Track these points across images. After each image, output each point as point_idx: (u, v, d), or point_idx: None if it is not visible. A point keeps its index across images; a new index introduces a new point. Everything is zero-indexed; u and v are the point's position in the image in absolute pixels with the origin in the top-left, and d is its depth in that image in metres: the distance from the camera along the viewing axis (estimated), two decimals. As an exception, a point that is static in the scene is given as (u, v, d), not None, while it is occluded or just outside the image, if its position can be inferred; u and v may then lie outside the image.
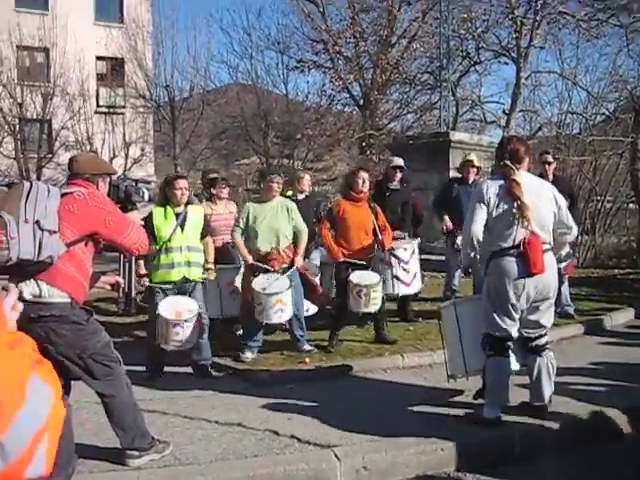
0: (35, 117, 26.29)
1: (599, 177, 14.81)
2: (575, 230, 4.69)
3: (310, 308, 7.11)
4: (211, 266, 6.34)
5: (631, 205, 15.67)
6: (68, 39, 25.55)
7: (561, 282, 7.83)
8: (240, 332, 6.85)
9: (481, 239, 4.37)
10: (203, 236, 6.15)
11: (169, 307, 5.71)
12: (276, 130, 25.32)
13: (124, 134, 26.78)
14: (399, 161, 7.97)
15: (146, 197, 4.42)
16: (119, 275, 4.33)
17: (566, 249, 7.72)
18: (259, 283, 6.25)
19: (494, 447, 4.31)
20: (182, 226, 5.93)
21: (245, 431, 4.56)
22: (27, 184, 3.58)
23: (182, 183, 5.99)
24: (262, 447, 4.26)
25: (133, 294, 4.32)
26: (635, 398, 4.95)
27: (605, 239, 14.64)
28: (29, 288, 3.58)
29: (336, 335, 6.74)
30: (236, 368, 6.15)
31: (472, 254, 4.41)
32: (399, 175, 7.82)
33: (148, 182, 4.56)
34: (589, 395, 5.00)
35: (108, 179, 4.07)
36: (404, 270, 7.09)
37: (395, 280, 7.07)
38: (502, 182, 4.40)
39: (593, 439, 4.39)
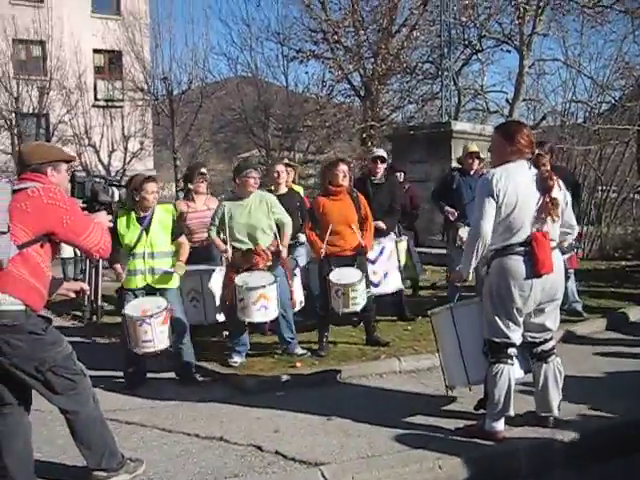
0: (32, 111, 25.97)
1: (604, 167, 14.42)
2: (576, 231, 4.32)
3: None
4: (181, 264, 5.80)
5: (637, 195, 15.29)
6: (64, 32, 25.27)
7: (567, 277, 7.49)
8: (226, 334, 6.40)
9: (489, 241, 3.98)
10: (175, 237, 5.76)
11: (136, 307, 5.42)
12: (277, 122, 24.95)
13: (123, 128, 26.50)
14: (380, 152, 7.58)
15: (116, 197, 4.05)
16: (84, 281, 3.95)
17: (569, 240, 7.32)
18: (241, 278, 5.88)
19: (497, 463, 3.95)
20: (147, 230, 5.59)
21: (226, 446, 4.21)
22: None
23: (153, 187, 5.63)
24: (243, 465, 3.91)
25: (99, 302, 3.93)
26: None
27: (611, 230, 14.25)
28: None
29: (325, 337, 6.36)
30: (222, 373, 5.80)
31: (476, 260, 4.01)
32: (381, 167, 7.40)
33: (119, 182, 4.17)
34: (602, 403, 4.59)
35: (63, 167, 3.63)
36: (372, 271, 6.75)
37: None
38: (519, 173, 3.97)
39: (607, 453, 4.00)
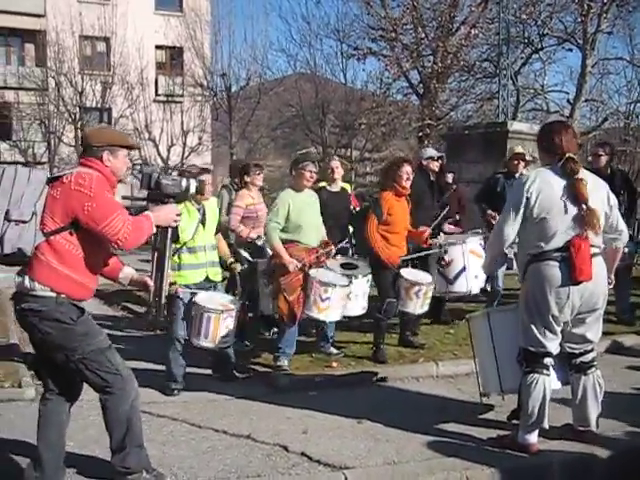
0: (95, 105, 26.68)
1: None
2: (626, 235, 4.09)
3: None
4: (232, 259, 5.95)
5: None
6: (128, 28, 25.82)
7: (622, 283, 7.20)
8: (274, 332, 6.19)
9: (510, 243, 3.91)
10: (217, 232, 5.76)
11: (210, 301, 5.25)
12: (334, 119, 24.93)
13: (182, 122, 26.87)
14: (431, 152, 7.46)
15: (192, 189, 3.80)
16: (150, 277, 3.86)
17: (619, 245, 6.99)
18: (322, 275, 5.61)
19: (529, 476, 3.82)
20: (203, 223, 5.57)
21: (253, 445, 4.19)
22: None
23: (208, 178, 5.64)
24: (267, 465, 3.88)
25: (163, 298, 3.80)
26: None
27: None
28: (19, 279, 3.38)
29: (382, 342, 6.06)
30: (257, 370, 5.79)
31: (495, 258, 3.92)
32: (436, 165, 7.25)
33: (206, 170, 3.91)
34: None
35: (121, 152, 3.55)
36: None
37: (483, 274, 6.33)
38: (555, 177, 3.84)
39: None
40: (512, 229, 3.86)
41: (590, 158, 7.54)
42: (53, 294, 3.34)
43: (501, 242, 3.90)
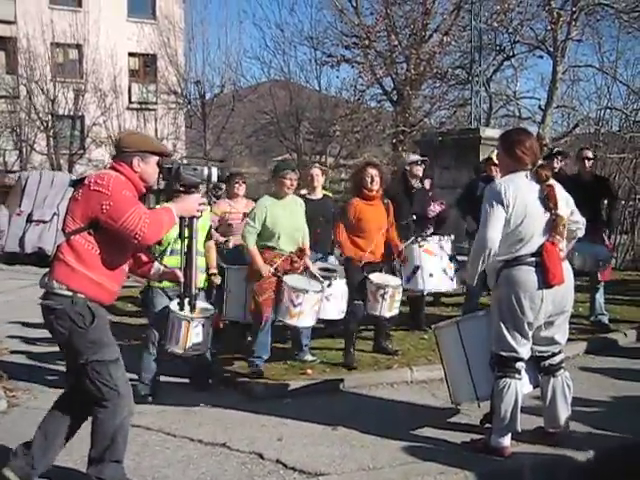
0: (67, 113, 26.47)
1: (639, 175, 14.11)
2: (583, 222, 4.16)
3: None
4: (215, 271, 5.94)
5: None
6: (101, 35, 25.63)
7: (596, 289, 7.32)
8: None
9: (497, 250, 3.86)
10: (207, 239, 5.76)
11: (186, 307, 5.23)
12: (309, 126, 24.95)
13: (156, 130, 26.67)
14: (415, 157, 7.57)
15: (214, 177, 3.72)
16: (180, 268, 3.90)
17: (604, 253, 7.16)
18: (294, 280, 5.64)
19: (502, 479, 3.86)
20: (189, 226, 5.52)
21: (228, 453, 4.18)
22: (25, 174, 3.50)
23: None
24: (243, 473, 3.88)
25: (194, 291, 3.75)
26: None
27: (646, 240, 13.91)
28: (43, 278, 3.44)
29: (354, 345, 6.11)
30: (232, 379, 5.77)
31: (482, 267, 3.93)
32: (420, 170, 7.32)
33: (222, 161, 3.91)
34: (618, 422, 4.47)
35: (152, 159, 3.54)
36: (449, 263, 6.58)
37: (444, 274, 6.46)
38: (527, 184, 3.91)
39: (617, 474, 3.88)
40: (497, 233, 3.82)
41: (576, 163, 7.65)
42: (69, 292, 3.37)
43: (486, 248, 3.83)
